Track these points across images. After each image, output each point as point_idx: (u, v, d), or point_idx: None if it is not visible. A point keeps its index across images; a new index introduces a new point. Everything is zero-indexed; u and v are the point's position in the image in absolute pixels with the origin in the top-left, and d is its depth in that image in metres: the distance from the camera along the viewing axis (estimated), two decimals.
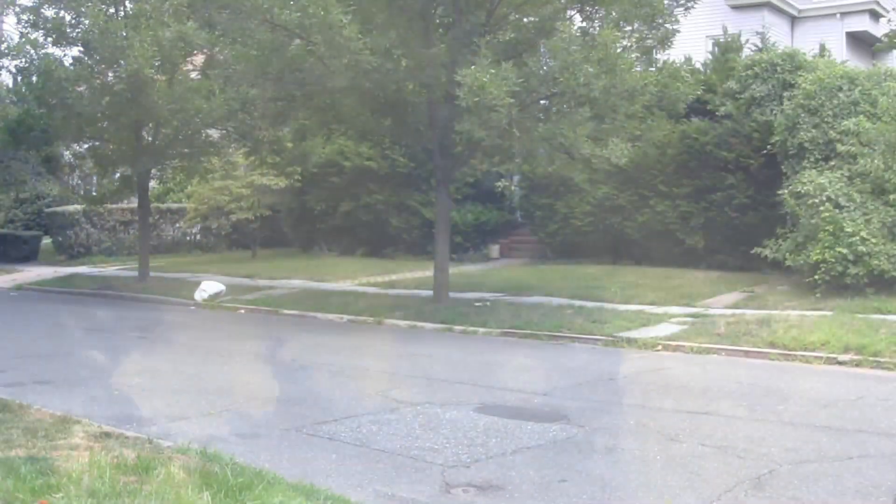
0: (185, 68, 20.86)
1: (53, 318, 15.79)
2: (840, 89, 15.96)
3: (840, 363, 10.49)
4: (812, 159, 15.89)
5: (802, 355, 10.78)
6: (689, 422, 7.58)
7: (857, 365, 10.37)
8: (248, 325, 15.02)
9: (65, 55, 20.57)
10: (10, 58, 20.60)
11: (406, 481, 6.00)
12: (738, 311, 13.83)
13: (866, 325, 11.79)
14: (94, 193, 27.46)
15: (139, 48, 17.64)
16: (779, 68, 18.24)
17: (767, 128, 17.71)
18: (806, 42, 23.11)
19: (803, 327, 11.79)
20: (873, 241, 14.23)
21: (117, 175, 23.81)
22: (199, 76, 20.93)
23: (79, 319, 15.53)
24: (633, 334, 12.43)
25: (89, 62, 19.71)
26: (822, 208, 14.59)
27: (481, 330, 13.54)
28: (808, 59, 18.48)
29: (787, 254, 15.56)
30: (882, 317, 12.61)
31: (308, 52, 14.00)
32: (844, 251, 14.20)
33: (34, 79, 19.55)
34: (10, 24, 25.10)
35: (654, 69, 15.03)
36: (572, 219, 21.56)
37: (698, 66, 20.65)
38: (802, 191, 15.12)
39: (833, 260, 14.29)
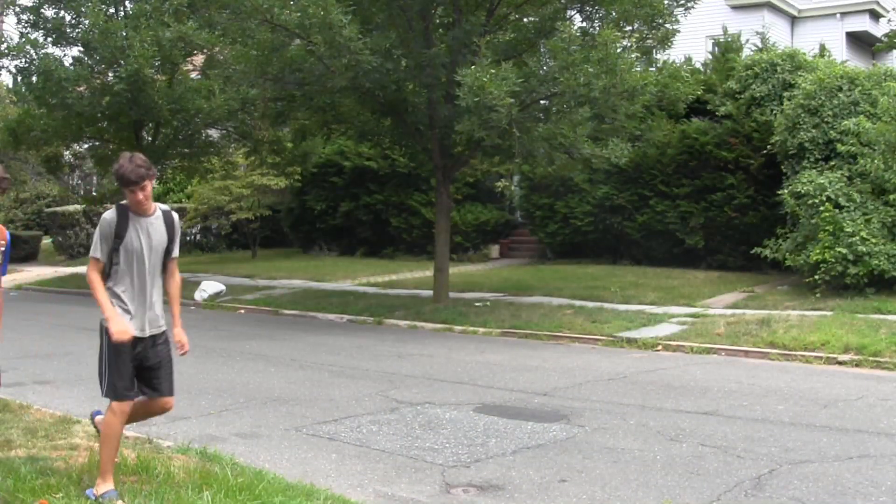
0: (185, 68, 20.89)
1: (53, 318, 15.78)
2: (840, 89, 15.97)
3: (840, 363, 10.49)
4: (812, 159, 15.91)
5: (802, 355, 10.79)
6: (689, 422, 7.58)
7: (857, 365, 10.38)
8: (247, 325, 15.02)
9: (65, 55, 20.63)
10: (10, 58, 20.63)
11: (406, 481, 5.99)
12: (738, 311, 13.83)
13: (866, 325, 11.80)
14: (94, 193, 27.52)
15: (139, 48, 17.67)
16: (779, 68, 18.27)
17: (767, 128, 17.73)
18: (806, 42, 23.16)
19: (803, 327, 11.80)
20: (873, 241, 14.24)
21: None
22: (199, 76, 20.95)
23: (79, 319, 15.52)
24: (633, 334, 12.44)
25: (89, 62, 19.74)
26: (822, 208, 14.61)
27: (481, 330, 13.56)
28: (809, 59, 18.51)
29: (787, 254, 15.59)
30: (882, 317, 12.62)
31: (308, 52, 14.01)
32: (844, 251, 14.22)
33: (34, 79, 19.56)
34: (10, 24, 25.14)
35: (654, 69, 15.05)
36: (572, 219, 21.56)
37: (698, 66, 20.68)
38: (802, 191, 15.14)
39: (833, 260, 14.30)
